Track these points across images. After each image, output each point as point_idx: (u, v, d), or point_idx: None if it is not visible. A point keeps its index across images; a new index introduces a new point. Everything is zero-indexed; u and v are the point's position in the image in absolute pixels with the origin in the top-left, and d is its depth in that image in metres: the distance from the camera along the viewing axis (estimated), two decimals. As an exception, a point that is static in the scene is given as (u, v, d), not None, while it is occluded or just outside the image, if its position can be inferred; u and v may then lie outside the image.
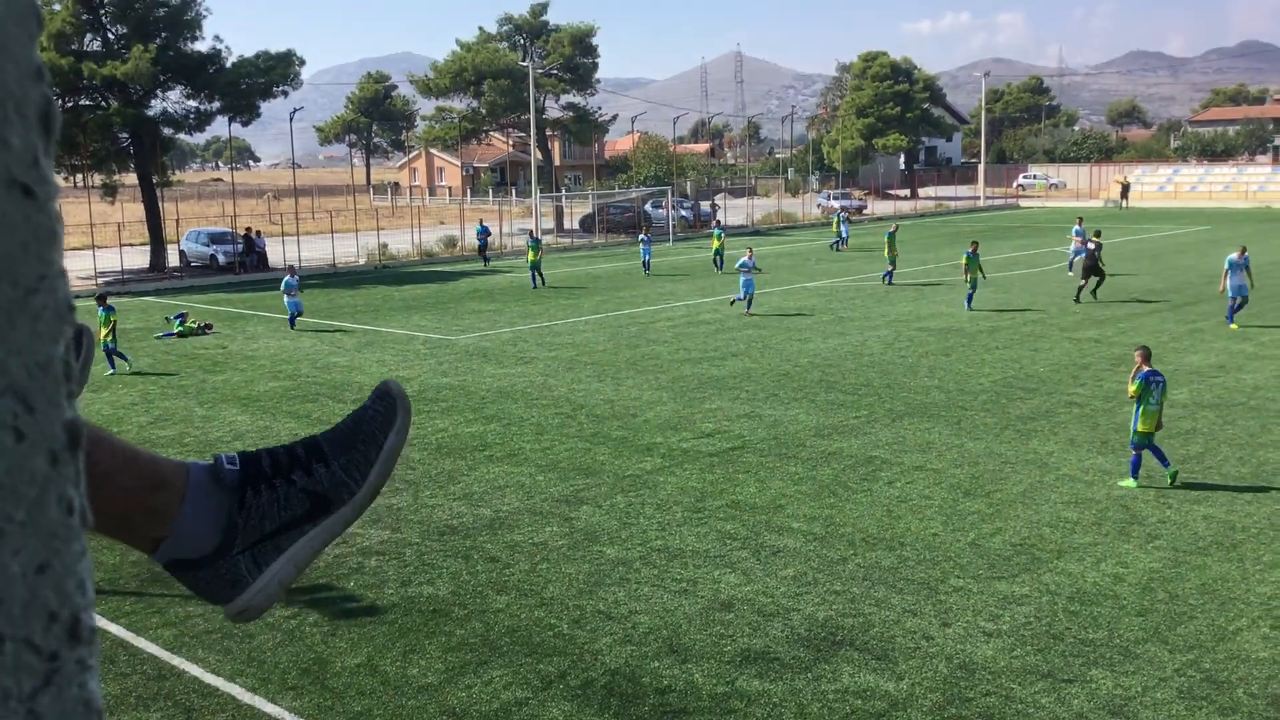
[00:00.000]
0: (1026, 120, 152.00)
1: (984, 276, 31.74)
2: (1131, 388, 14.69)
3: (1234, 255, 26.92)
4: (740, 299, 30.54)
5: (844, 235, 50.67)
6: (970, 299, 30.44)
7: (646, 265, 41.43)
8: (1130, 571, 11.92)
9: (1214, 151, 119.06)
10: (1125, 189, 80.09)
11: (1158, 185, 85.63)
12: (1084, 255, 32.22)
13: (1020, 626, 10.68)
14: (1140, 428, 14.52)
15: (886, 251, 36.84)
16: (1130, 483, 14.61)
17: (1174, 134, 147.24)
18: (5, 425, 0.76)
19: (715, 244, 43.04)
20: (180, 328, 29.89)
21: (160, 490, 1.32)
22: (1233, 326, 26.16)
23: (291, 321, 30.35)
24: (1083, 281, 31.33)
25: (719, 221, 53.26)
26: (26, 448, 0.77)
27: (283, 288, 30.55)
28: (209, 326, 30.80)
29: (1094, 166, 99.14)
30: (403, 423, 1.45)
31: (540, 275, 38.64)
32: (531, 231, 46.55)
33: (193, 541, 1.33)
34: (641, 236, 43.67)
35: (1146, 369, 14.70)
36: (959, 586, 11.63)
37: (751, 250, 32.22)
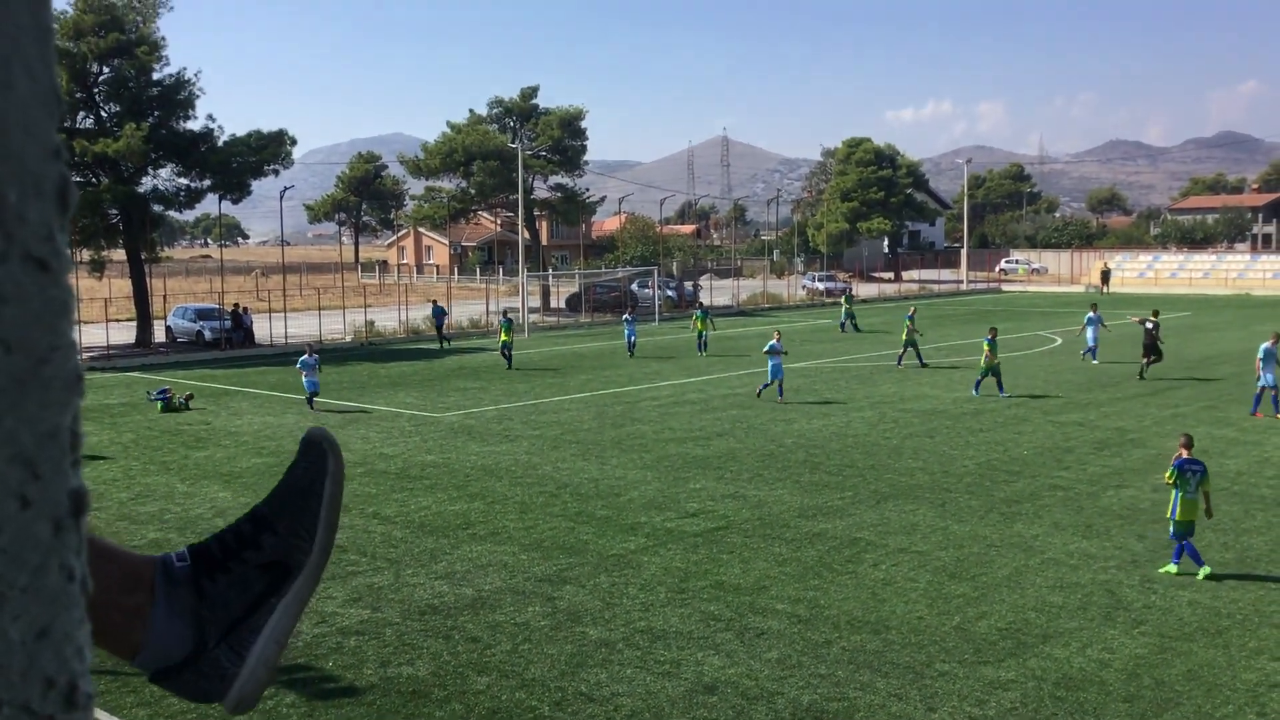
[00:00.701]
0: (1008, 206, 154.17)
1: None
2: (1166, 475, 14.59)
3: (1268, 344, 25.72)
4: (769, 385, 29.25)
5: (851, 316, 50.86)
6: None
7: (631, 347, 40.41)
8: (1116, 657, 11.85)
9: (1193, 239, 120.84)
10: (1106, 275, 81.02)
11: (1138, 271, 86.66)
12: (1144, 334, 32.52)
13: (1007, 712, 10.58)
14: (1179, 516, 14.26)
15: (905, 334, 36.30)
16: (1171, 568, 14.45)
17: (1154, 221, 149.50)
18: (11, 492, 0.77)
19: (699, 326, 41.51)
20: (161, 402, 29.71)
21: (134, 591, 1.28)
22: (1258, 416, 25.65)
23: (310, 401, 29.30)
24: (1145, 359, 32.06)
25: (701, 303, 50.62)
26: (31, 515, 0.78)
27: (299, 366, 29.67)
28: (190, 398, 30.63)
29: (1075, 252, 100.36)
30: (335, 467, 1.43)
31: (508, 355, 37.75)
32: (506, 311, 44.56)
33: (168, 646, 1.29)
34: (626, 316, 42.66)
35: (1184, 456, 14.45)
36: (945, 671, 11.53)
37: (779, 333, 30.98)
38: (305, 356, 29.65)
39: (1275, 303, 66.32)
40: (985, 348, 29.55)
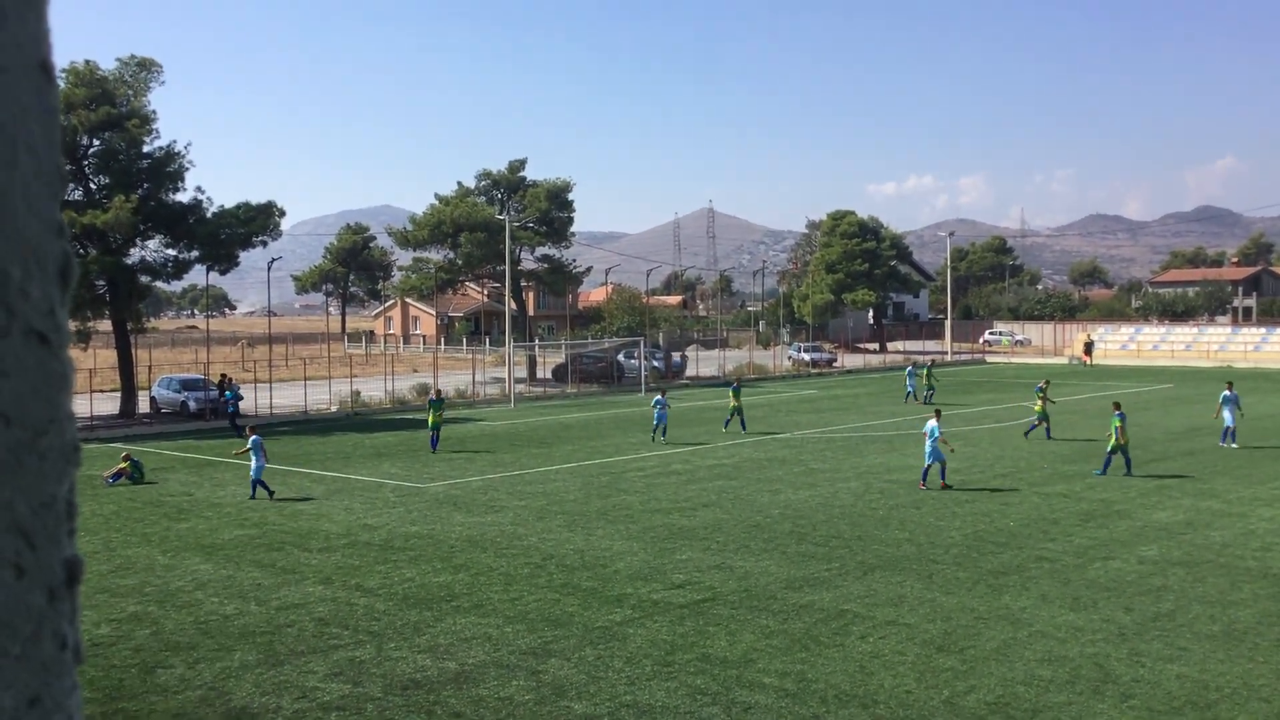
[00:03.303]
0: (991, 278, 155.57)
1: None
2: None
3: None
4: (930, 465, 26.76)
5: (911, 388, 49.82)
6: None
7: (660, 431, 35.80)
8: (1106, 731, 11.73)
9: (1175, 312, 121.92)
10: (1089, 347, 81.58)
11: (1120, 344, 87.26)
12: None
13: (997, 788, 10.43)
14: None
15: (1040, 406, 35.52)
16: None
17: (1135, 294, 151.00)
18: (7, 561, 0.79)
19: (733, 403, 38.41)
20: (129, 479, 29.11)
21: None
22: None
23: (257, 488, 26.71)
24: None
25: (739, 379, 47.33)
26: (26, 584, 0.80)
27: (249, 447, 27.01)
28: (126, 457, 29.85)
29: (1058, 324, 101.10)
30: None
31: (437, 437, 34.54)
32: (438, 390, 37.79)
33: None
34: (658, 398, 36.60)
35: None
36: (934, 746, 11.39)
37: (939, 412, 28.53)
38: (252, 437, 27.33)
39: (1257, 375, 66.78)
40: (1117, 422, 27.57)
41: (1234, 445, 32.60)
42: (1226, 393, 33.38)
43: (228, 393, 42.16)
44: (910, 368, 52.79)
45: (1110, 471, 27.68)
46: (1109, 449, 27.88)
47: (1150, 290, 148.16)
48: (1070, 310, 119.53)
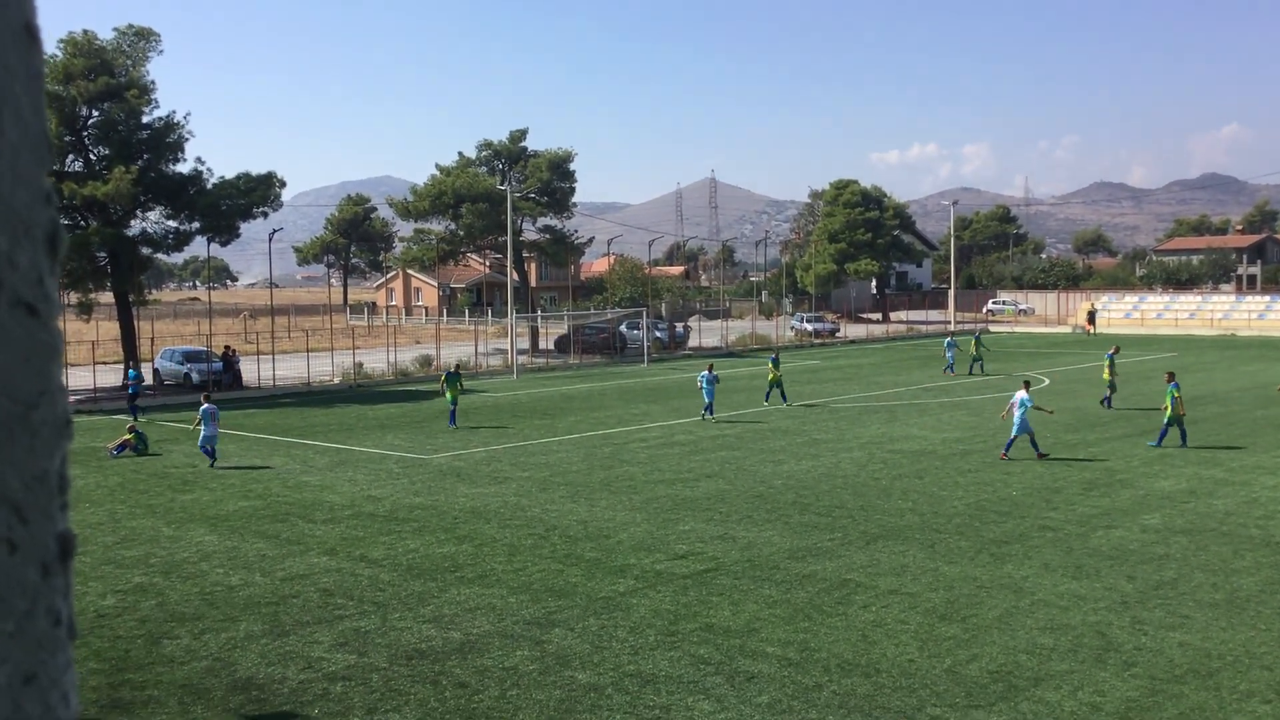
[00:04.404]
0: (994, 247, 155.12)
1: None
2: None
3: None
4: (1017, 436, 26.13)
5: (951, 360, 48.68)
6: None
7: (710, 409, 33.75)
8: (1107, 700, 11.79)
9: (1179, 280, 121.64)
10: (1092, 315, 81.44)
11: (1124, 312, 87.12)
12: None
13: (999, 755, 10.49)
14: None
15: (1107, 375, 35.26)
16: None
17: (1139, 263, 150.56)
18: (-1, 537, 0.77)
19: (772, 374, 37.44)
20: (134, 450, 29.23)
21: None
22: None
23: (210, 455, 27.20)
24: None
25: (779, 351, 47.48)
26: (19, 559, 0.78)
27: (200, 416, 27.16)
28: (131, 429, 30.05)
29: (1062, 293, 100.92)
30: None
31: (455, 412, 33.67)
32: (457, 365, 37.05)
33: None
34: (705, 374, 34.05)
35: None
36: (936, 715, 11.46)
37: (1028, 383, 28.14)
38: (205, 405, 27.42)
39: (1261, 343, 66.71)
40: (1174, 393, 27.17)
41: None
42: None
43: (130, 372, 38.90)
44: (949, 339, 51.30)
45: (1165, 443, 27.20)
46: (1165, 420, 27.38)
47: (1154, 258, 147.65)
48: (1074, 279, 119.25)
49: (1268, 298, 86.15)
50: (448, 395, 33.80)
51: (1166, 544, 18.04)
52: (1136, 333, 78.86)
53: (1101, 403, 35.15)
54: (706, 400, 33.65)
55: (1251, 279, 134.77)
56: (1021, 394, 26.30)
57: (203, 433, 27.13)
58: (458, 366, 36.20)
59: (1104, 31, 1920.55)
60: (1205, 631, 13.83)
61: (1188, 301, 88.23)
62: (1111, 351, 36.48)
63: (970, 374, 46.90)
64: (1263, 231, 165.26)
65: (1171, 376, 28.10)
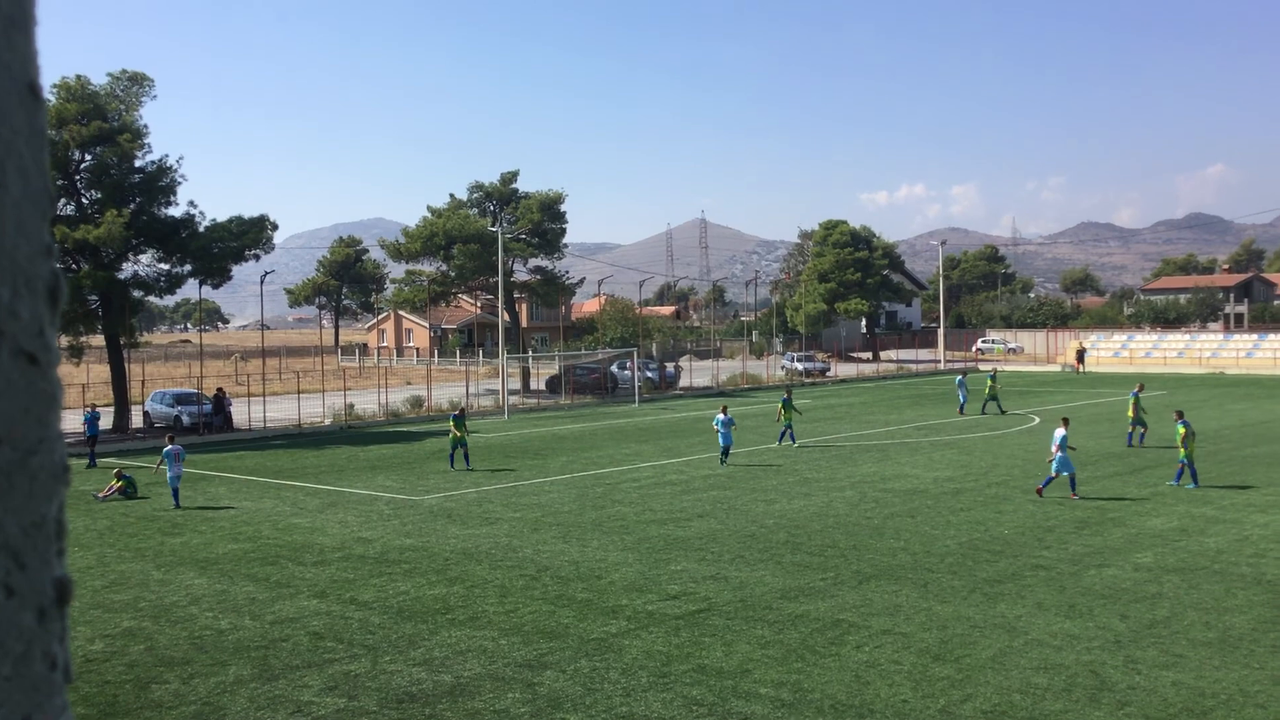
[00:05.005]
0: (983, 287, 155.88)
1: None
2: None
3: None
4: (1057, 475, 25.70)
5: (964, 398, 47.84)
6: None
7: (725, 453, 32.54)
8: (1102, 739, 11.72)
9: (1166, 319, 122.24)
10: (1081, 354, 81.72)
11: (1113, 351, 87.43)
12: None
13: (993, 797, 10.42)
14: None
15: (1131, 412, 34.97)
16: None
17: (1127, 301, 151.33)
18: (-3, 582, 0.79)
19: (785, 416, 36.58)
20: (120, 495, 29.04)
21: None
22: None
23: (175, 497, 27.53)
24: None
25: (790, 390, 45.56)
26: (16, 603, 0.80)
27: (162, 457, 27.52)
28: (119, 473, 29.84)
29: (1050, 332, 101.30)
30: None
31: (465, 454, 33.28)
32: (463, 408, 36.62)
33: None
34: (721, 417, 32.75)
35: None
36: (930, 755, 11.38)
37: (1066, 420, 27.30)
38: (168, 446, 27.54)
39: (1249, 381, 66.95)
40: (1181, 430, 26.92)
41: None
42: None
43: (86, 414, 37.88)
44: (960, 378, 50.29)
45: (1182, 481, 27.10)
46: (1181, 458, 27.18)
47: (1142, 297, 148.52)
48: (1062, 318, 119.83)
49: (1255, 336, 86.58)
50: (456, 437, 32.98)
51: (1159, 582, 18.02)
52: (1125, 371, 79.10)
53: (1128, 441, 34.96)
54: (723, 444, 32.25)
55: (1239, 317, 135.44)
56: (1061, 431, 26.04)
57: (169, 473, 27.31)
58: (462, 409, 35.59)
59: (1090, 73, 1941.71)
60: (1199, 670, 13.80)
61: (1176, 340, 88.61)
62: (1136, 390, 36.33)
63: (983, 413, 46.70)
64: (1249, 270, 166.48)
65: (1180, 415, 28.17)
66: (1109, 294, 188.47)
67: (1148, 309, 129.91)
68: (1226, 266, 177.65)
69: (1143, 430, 34.83)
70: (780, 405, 37.37)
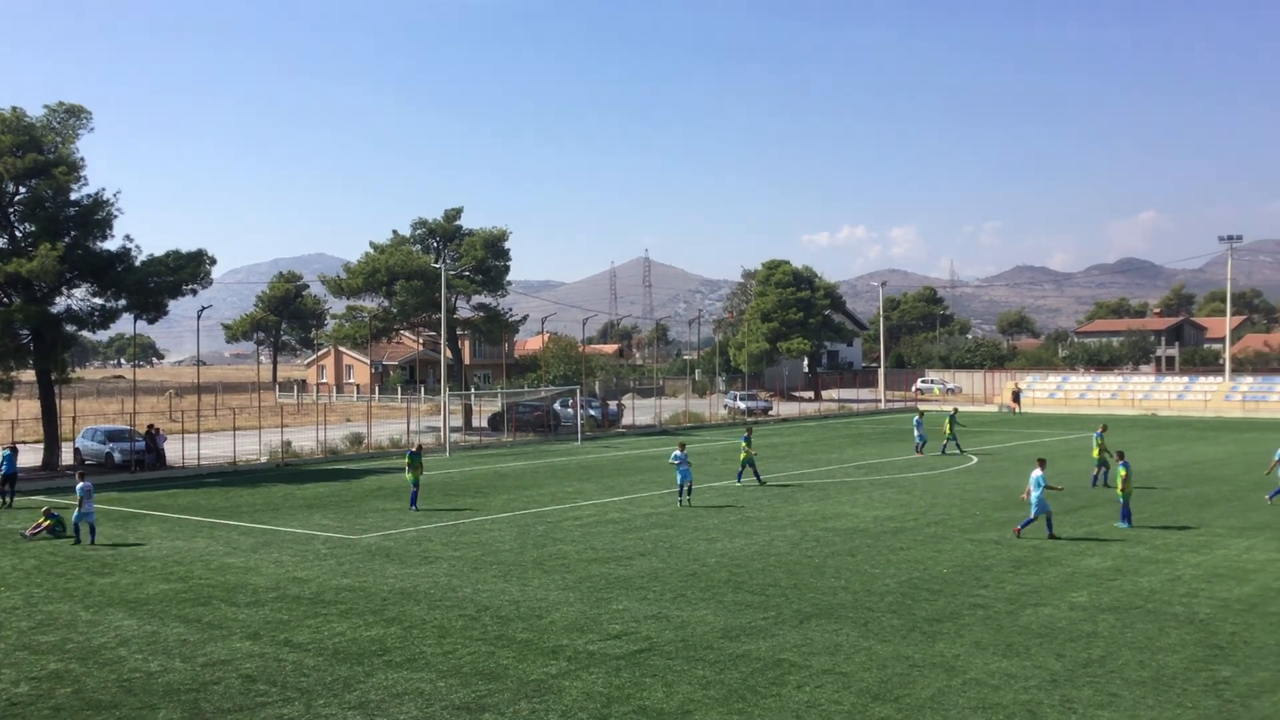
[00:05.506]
0: (922, 328, 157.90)
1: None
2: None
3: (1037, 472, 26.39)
4: (1036, 516, 25.97)
5: (922, 438, 47.89)
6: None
7: (685, 491, 32.28)
8: (1040, 778, 11.79)
9: (1100, 361, 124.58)
10: (1017, 395, 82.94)
11: (1048, 392, 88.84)
12: None
13: (933, 837, 10.42)
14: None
15: (1096, 453, 35.65)
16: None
17: (1061, 344, 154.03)
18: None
19: (745, 452, 37.21)
20: (49, 534, 28.33)
21: None
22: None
23: (90, 533, 27.25)
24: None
25: (750, 428, 45.92)
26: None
27: (78, 494, 27.24)
28: (47, 512, 29.09)
29: (988, 373, 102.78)
30: None
31: (417, 494, 32.65)
32: (419, 445, 35.62)
33: None
34: (677, 453, 32.93)
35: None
36: (870, 796, 11.37)
37: (1043, 461, 27.10)
38: (80, 483, 27.38)
39: (1180, 423, 68.32)
40: (1122, 471, 27.44)
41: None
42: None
43: (4, 452, 36.22)
44: (917, 417, 49.75)
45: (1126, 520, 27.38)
46: (1121, 498, 27.50)
47: (1076, 340, 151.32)
48: (999, 359, 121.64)
49: (1186, 378, 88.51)
50: (409, 476, 32.38)
51: (1094, 622, 18.24)
52: (1060, 412, 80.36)
53: (1092, 482, 35.38)
54: (680, 480, 32.13)
55: (1170, 360, 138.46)
56: (1037, 472, 26.21)
57: (78, 510, 27.16)
58: (418, 447, 34.46)
59: (1025, 119, 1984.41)
60: (1133, 710, 13.95)
61: (1109, 382, 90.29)
62: (1100, 430, 36.92)
63: (943, 453, 47.06)
64: (1180, 314, 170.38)
65: (1121, 455, 28.68)
66: (1044, 336, 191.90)
67: (1082, 351, 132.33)
68: (1158, 310, 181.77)
69: (1105, 470, 35.28)
70: (743, 443, 37.79)
